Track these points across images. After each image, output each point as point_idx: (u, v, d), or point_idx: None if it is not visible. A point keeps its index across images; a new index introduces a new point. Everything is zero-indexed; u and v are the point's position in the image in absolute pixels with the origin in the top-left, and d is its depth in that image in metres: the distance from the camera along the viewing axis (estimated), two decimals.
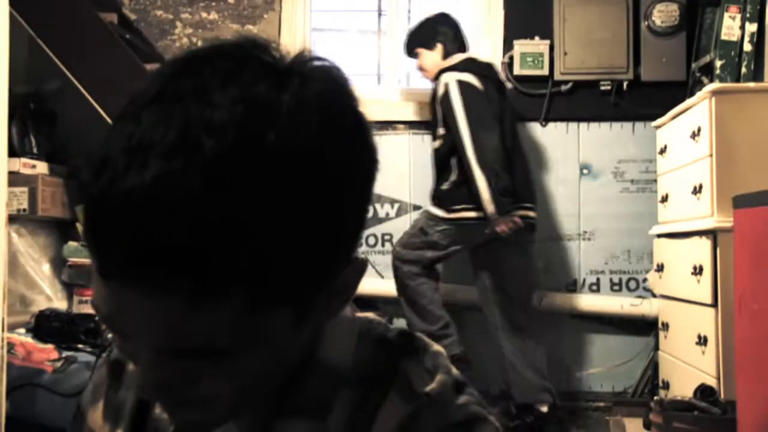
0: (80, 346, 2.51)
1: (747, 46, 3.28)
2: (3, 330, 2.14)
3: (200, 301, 0.55)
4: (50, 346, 2.51)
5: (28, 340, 2.54)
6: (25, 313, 2.84)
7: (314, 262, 0.59)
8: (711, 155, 2.74)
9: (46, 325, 2.59)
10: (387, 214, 4.05)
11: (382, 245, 4.04)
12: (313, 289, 0.61)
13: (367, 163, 0.64)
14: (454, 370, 0.70)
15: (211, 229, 0.53)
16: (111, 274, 0.56)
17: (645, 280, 3.84)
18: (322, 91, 0.60)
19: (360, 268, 0.66)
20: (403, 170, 4.04)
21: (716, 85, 2.85)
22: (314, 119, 0.58)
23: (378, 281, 3.97)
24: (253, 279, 0.56)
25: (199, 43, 4.14)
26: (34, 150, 3.18)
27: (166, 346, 0.59)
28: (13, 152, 2.86)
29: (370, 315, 0.76)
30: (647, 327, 3.81)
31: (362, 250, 4.01)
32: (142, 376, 0.61)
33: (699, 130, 2.85)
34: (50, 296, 3.08)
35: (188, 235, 0.53)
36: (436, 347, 0.73)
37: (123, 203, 0.53)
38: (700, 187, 2.83)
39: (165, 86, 0.57)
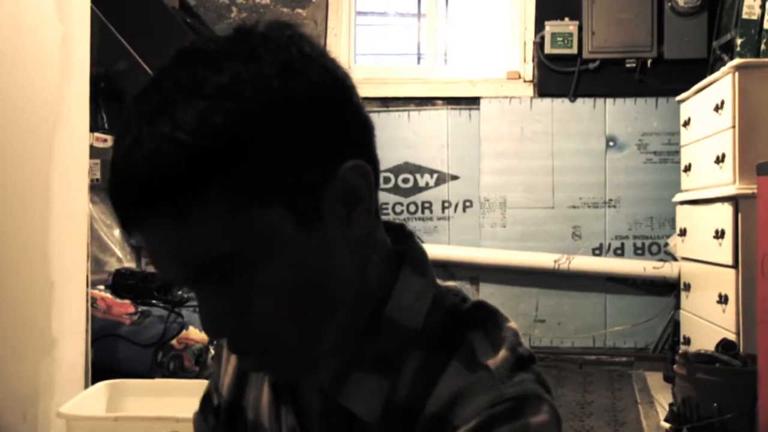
0: (154, 301, 2.56)
1: (767, 24, 3.23)
2: (88, 286, 2.19)
3: (186, 214, 0.57)
4: (127, 301, 2.56)
5: (107, 295, 2.60)
6: (100, 272, 2.91)
7: (284, 156, 0.59)
8: (734, 126, 2.72)
9: (122, 283, 2.64)
10: (426, 184, 4.06)
11: (422, 212, 4.06)
12: (300, 185, 0.60)
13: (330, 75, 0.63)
14: (522, 348, 0.67)
15: (163, 146, 0.56)
16: (126, 228, 0.60)
17: (666, 244, 3.82)
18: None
19: (362, 171, 0.63)
20: (442, 143, 4.04)
21: (739, 60, 2.81)
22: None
23: None
24: (223, 179, 0.56)
25: None
26: (106, 125, 3.22)
27: (187, 271, 0.60)
28: None
29: (452, 285, 0.72)
30: (668, 288, 3.81)
31: (403, 217, 4.04)
32: (200, 318, 0.62)
33: (722, 103, 2.82)
34: (121, 258, 3.15)
35: (149, 162, 0.56)
36: (510, 324, 0.69)
37: (115, 169, 0.59)
38: (723, 156, 2.80)
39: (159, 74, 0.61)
